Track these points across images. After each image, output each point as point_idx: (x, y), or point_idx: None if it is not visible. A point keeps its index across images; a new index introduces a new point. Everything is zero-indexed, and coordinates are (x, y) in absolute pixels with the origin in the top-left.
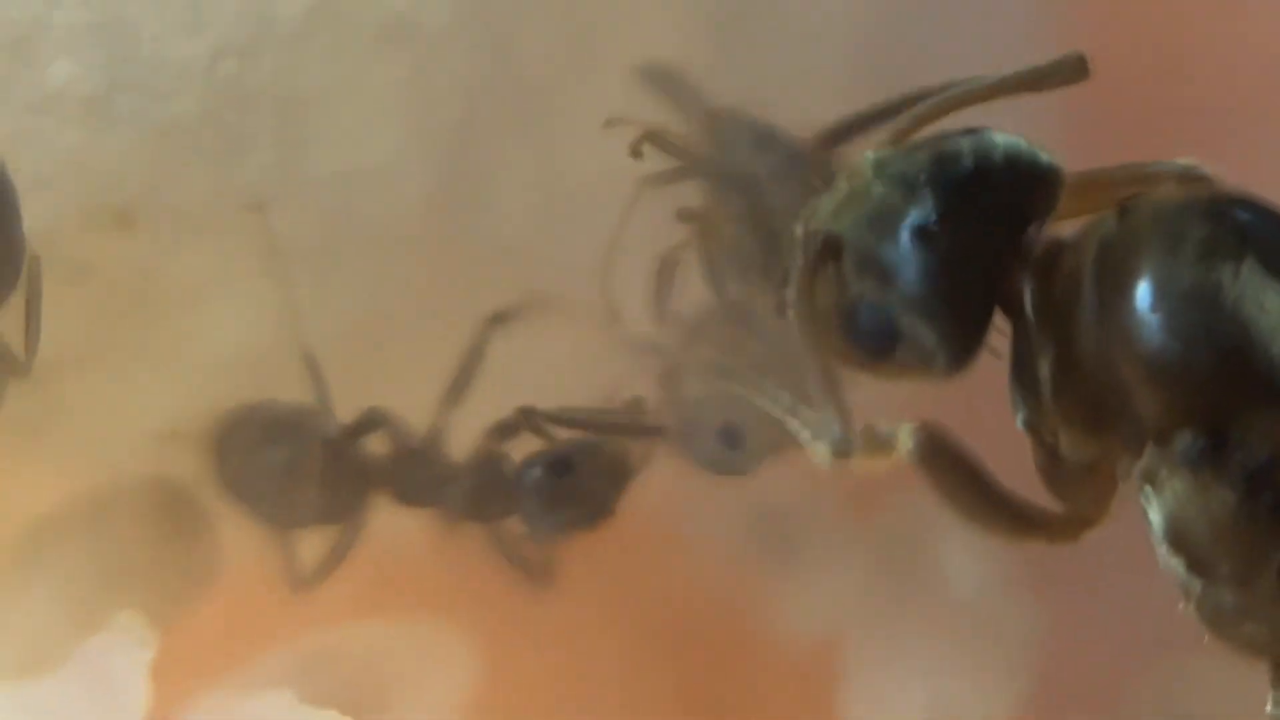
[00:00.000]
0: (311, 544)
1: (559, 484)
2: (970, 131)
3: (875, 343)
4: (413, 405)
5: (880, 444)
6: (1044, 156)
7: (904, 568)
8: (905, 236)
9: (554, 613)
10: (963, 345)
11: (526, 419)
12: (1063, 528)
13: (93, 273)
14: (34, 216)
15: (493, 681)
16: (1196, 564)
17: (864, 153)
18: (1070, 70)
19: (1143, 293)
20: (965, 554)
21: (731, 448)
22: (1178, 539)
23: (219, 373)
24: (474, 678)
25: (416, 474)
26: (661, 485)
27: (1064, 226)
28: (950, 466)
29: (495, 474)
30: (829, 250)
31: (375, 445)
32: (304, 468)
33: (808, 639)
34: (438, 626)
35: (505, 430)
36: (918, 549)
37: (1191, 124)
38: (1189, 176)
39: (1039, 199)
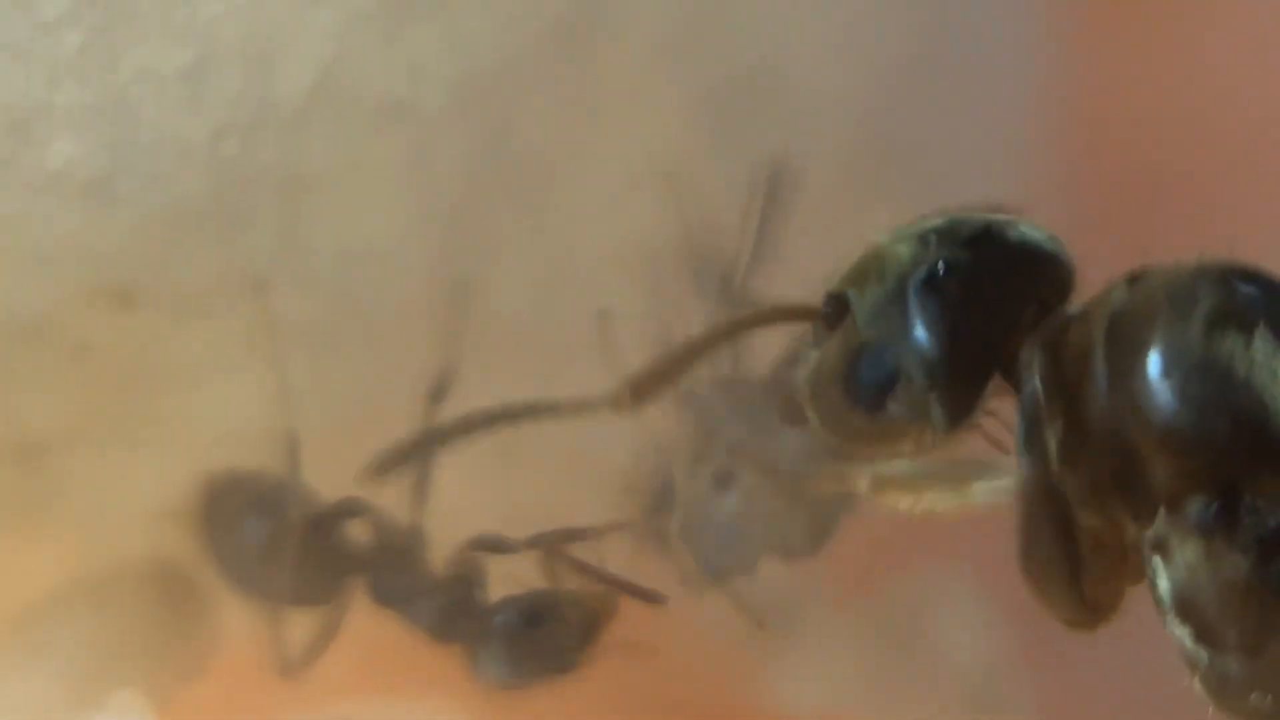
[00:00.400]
0: (302, 626)
1: (526, 634)
2: (990, 211)
3: (873, 392)
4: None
5: (990, 475)
6: (1059, 245)
7: (902, 645)
8: (914, 286)
9: (554, 690)
10: (960, 403)
11: (542, 542)
12: (1082, 615)
13: (93, 352)
14: (35, 296)
15: None
16: (1205, 633)
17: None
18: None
19: (1155, 362)
20: (963, 632)
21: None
22: (1186, 607)
23: (218, 453)
24: None
25: (391, 575)
26: (662, 560)
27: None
28: (1052, 518)
29: (466, 600)
30: (836, 310)
31: (361, 533)
32: (281, 545)
33: (807, 716)
34: (435, 705)
35: (483, 546)
36: (916, 627)
37: (1187, 187)
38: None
39: (1048, 281)
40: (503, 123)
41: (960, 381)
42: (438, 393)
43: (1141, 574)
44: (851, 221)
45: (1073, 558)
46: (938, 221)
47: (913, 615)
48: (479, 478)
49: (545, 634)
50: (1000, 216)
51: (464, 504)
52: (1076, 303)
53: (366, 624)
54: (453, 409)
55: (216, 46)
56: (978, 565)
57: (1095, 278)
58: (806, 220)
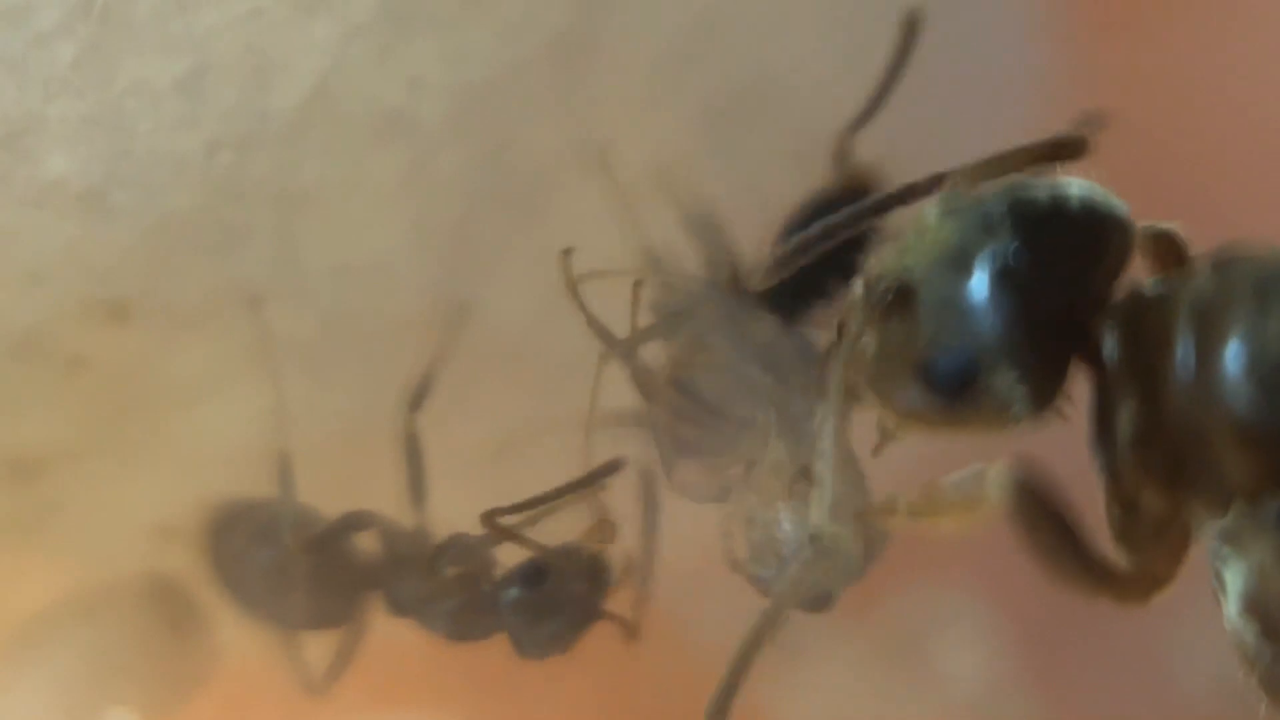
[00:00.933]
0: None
1: (538, 595)
2: (1044, 177)
3: (954, 387)
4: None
5: (968, 494)
6: (1118, 203)
7: (903, 664)
8: (984, 275)
9: (555, 706)
10: (1044, 388)
11: (489, 522)
12: (1134, 587)
13: (87, 367)
14: (29, 310)
15: None
16: (1272, 630)
17: (929, 203)
18: (1072, 147)
19: (1239, 354)
20: (964, 651)
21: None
22: (1256, 603)
23: (214, 468)
24: None
25: (405, 584)
26: (663, 579)
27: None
28: (1045, 512)
29: (474, 594)
30: (900, 299)
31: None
32: (292, 569)
33: None
34: (434, 717)
35: (481, 543)
36: (917, 646)
37: (1192, 184)
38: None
39: (1114, 247)
40: (502, 136)
41: (1043, 366)
42: (416, 400)
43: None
44: None
45: (1073, 541)
46: (995, 200)
47: (915, 632)
48: (473, 478)
49: (552, 592)
50: (1056, 183)
51: (460, 506)
52: (1155, 283)
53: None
54: (447, 424)
55: (212, 59)
56: (980, 582)
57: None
58: None
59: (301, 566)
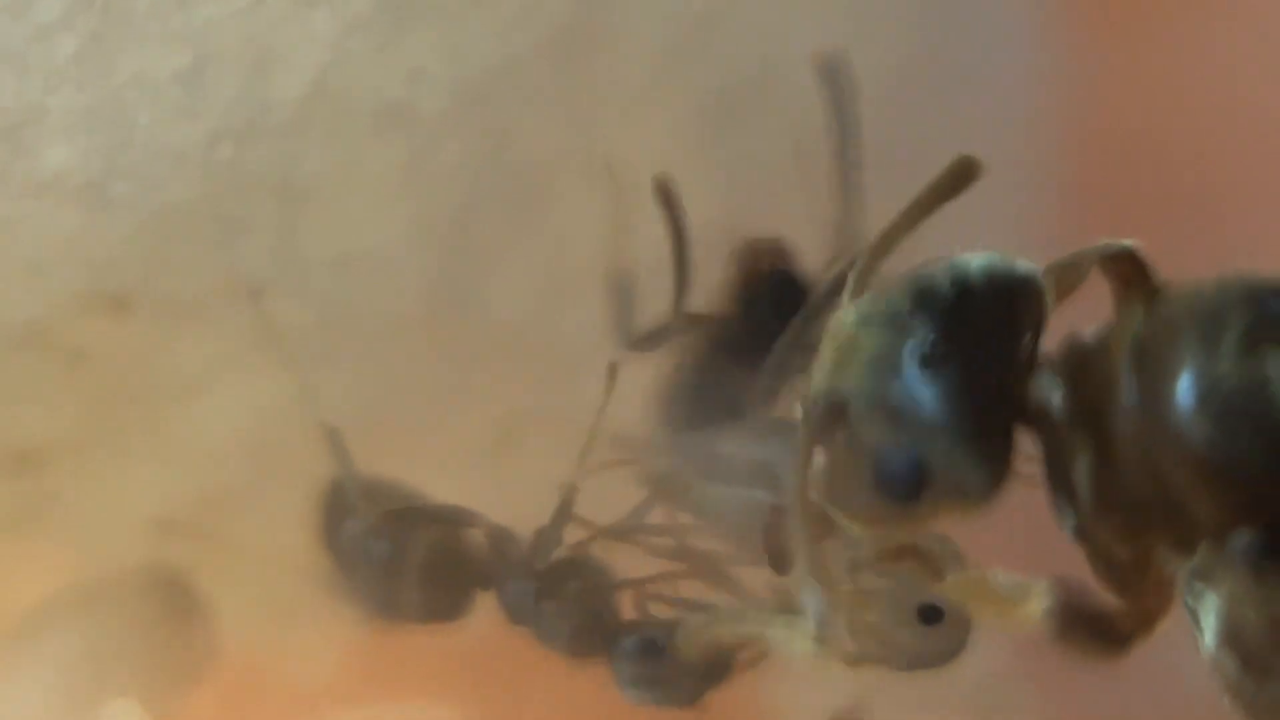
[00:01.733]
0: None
1: (647, 663)
2: (939, 259)
3: (906, 484)
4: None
5: (1011, 599)
6: (1020, 265)
7: None
8: (908, 369)
9: (556, 697)
10: (995, 463)
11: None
12: (1139, 628)
13: (88, 359)
14: (29, 302)
15: None
16: (1252, 662)
17: (838, 312)
18: (963, 173)
19: (1188, 390)
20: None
21: (930, 623)
22: (1233, 637)
23: (215, 461)
24: None
25: (519, 591)
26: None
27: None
28: (1084, 626)
29: (597, 621)
30: (834, 412)
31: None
32: (405, 559)
33: None
34: (436, 711)
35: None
36: None
37: (1195, 188)
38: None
39: (1028, 308)
40: (503, 128)
41: (986, 444)
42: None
43: (1171, 595)
44: None
45: (1115, 584)
46: (897, 298)
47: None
48: (472, 471)
49: (664, 666)
50: (953, 262)
51: (456, 499)
52: (1092, 331)
53: (364, 632)
54: (446, 417)
55: (212, 51)
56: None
57: (1099, 288)
58: (810, 229)
59: (414, 556)
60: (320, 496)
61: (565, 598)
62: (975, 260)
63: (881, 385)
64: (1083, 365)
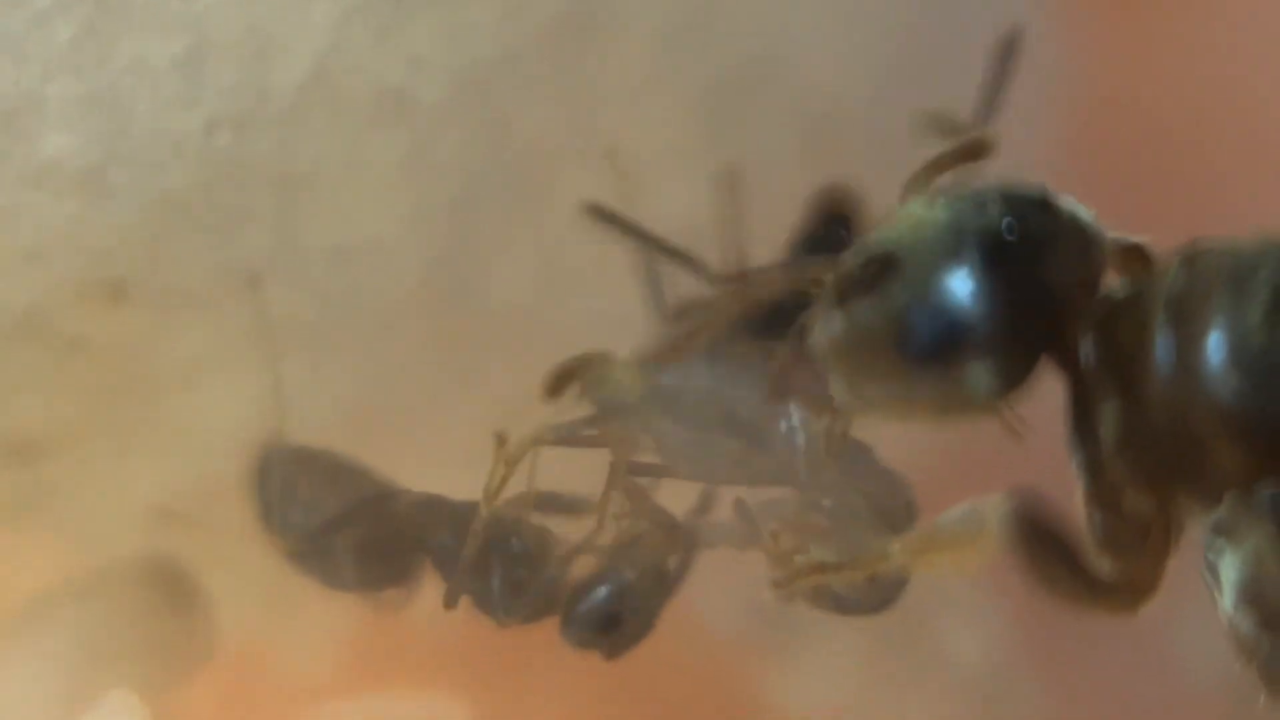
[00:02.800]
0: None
1: (604, 627)
2: (1034, 183)
3: (926, 355)
4: (408, 482)
5: (965, 530)
6: (1097, 221)
7: (907, 647)
8: (972, 250)
9: (555, 687)
10: (1012, 373)
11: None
12: (1121, 598)
13: (85, 348)
14: (26, 290)
15: None
16: (1269, 619)
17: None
18: (976, 148)
19: (1219, 345)
20: (968, 633)
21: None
22: (1253, 593)
23: (213, 449)
24: None
25: (452, 553)
26: None
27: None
28: (1047, 540)
29: (536, 583)
30: (882, 270)
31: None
32: (346, 528)
33: (813, 717)
34: (435, 701)
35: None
36: (920, 628)
37: (1197, 170)
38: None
39: (1093, 255)
40: (503, 115)
41: (1015, 349)
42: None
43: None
44: None
45: (1071, 562)
46: (989, 187)
47: (918, 616)
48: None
49: (621, 623)
50: (1049, 188)
51: (458, 487)
52: (1125, 284)
53: (361, 621)
54: (446, 406)
55: (210, 37)
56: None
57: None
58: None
59: (348, 530)
60: (253, 468)
61: (505, 558)
62: (1065, 196)
63: (942, 251)
64: (1117, 317)
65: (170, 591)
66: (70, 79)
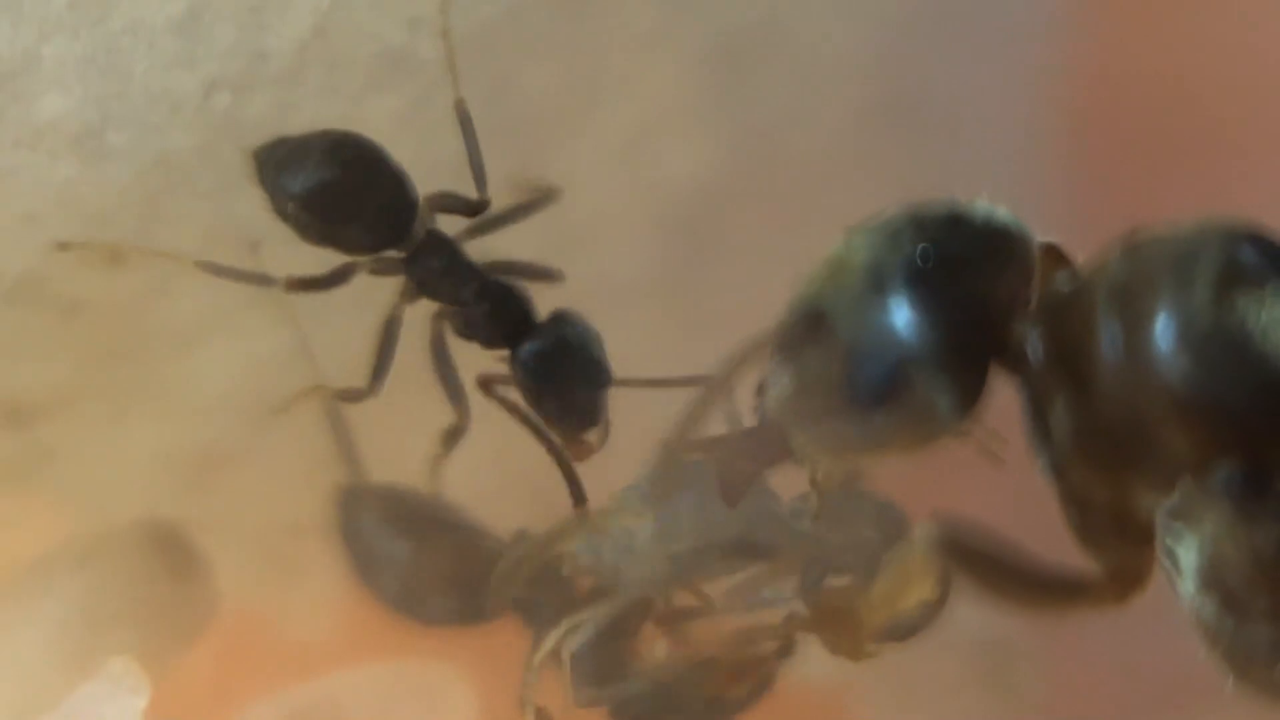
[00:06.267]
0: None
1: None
2: (943, 200)
3: (876, 397)
4: (409, 449)
5: (909, 567)
6: (1014, 218)
7: None
8: (895, 284)
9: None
10: (967, 389)
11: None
12: (1107, 591)
13: (83, 312)
14: (23, 254)
15: None
16: (1231, 602)
17: (836, 240)
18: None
19: (1165, 331)
20: (975, 603)
21: None
22: (1212, 576)
23: (213, 414)
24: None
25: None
26: None
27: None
28: (978, 557)
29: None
30: (814, 325)
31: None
32: (429, 567)
33: (816, 688)
34: (434, 669)
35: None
36: None
37: (1199, 141)
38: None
39: (1018, 253)
40: (504, 77)
41: (962, 366)
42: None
43: (1153, 557)
44: (861, 175)
45: (1019, 573)
46: (898, 217)
47: None
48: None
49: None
50: (959, 202)
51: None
52: (1066, 279)
53: (360, 591)
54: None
55: None
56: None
57: (1106, 233)
58: (815, 175)
59: (437, 562)
60: (335, 494)
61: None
62: (979, 204)
63: (865, 294)
64: (1060, 310)
65: (170, 557)
66: (67, 39)
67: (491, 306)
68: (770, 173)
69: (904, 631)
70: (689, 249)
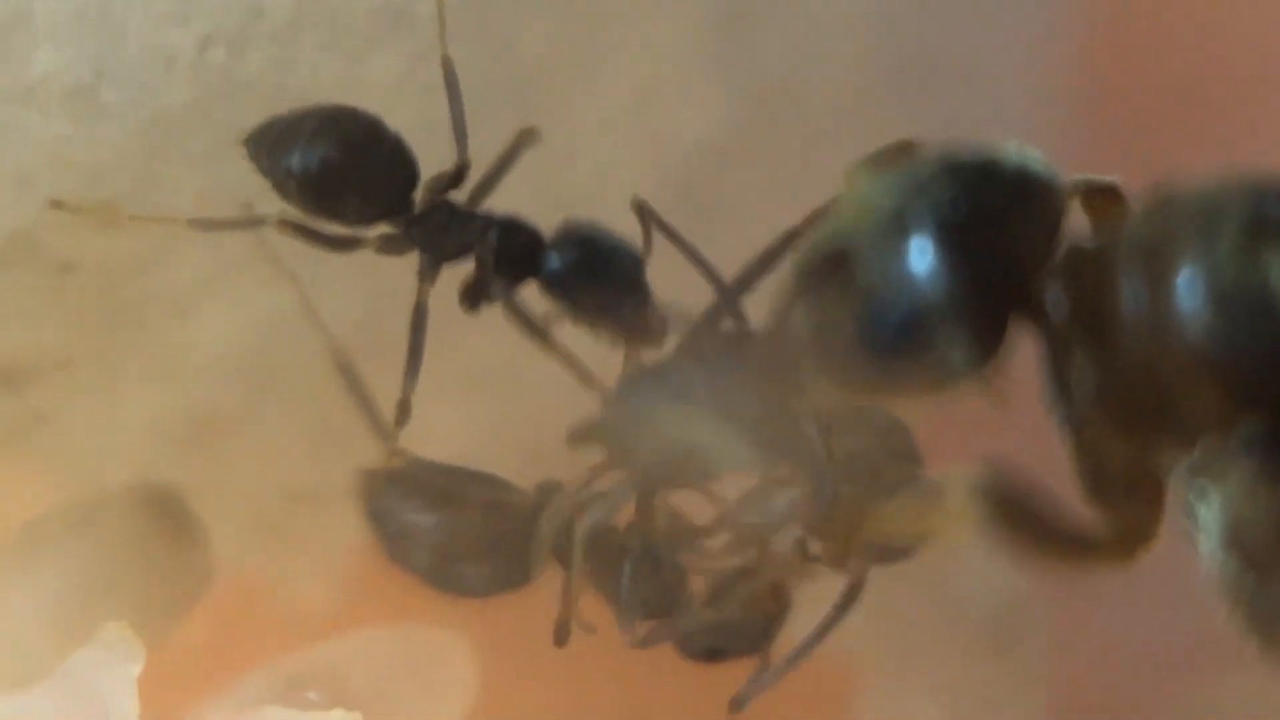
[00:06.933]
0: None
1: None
2: (976, 144)
3: (895, 344)
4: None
5: (930, 507)
6: (1049, 166)
7: (918, 583)
8: (921, 227)
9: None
10: (985, 341)
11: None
12: (1116, 549)
13: (76, 272)
14: (16, 214)
15: (490, 691)
16: (1254, 561)
17: (858, 169)
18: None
19: (1189, 286)
20: (981, 567)
21: None
22: (1235, 534)
23: (209, 378)
24: (471, 687)
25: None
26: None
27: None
28: (1015, 508)
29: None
30: (835, 266)
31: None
32: (462, 538)
33: (820, 654)
34: (433, 636)
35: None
36: (933, 563)
37: (1212, 98)
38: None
39: (1047, 203)
40: (505, 36)
41: (983, 319)
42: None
43: (1160, 514)
44: (866, 135)
45: (1101, 493)
46: (930, 160)
47: (929, 556)
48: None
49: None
50: (993, 147)
51: (461, 424)
52: (1090, 233)
53: (361, 554)
54: (452, 340)
55: None
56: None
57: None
58: (820, 135)
59: (468, 531)
60: (359, 475)
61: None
62: (1008, 146)
63: (889, 238)
64: (1083, 265)
65: (165, 522)
66: None
67: (500, 241)
68: (774, 133)
69: (895, 555)
70: (691, 209)
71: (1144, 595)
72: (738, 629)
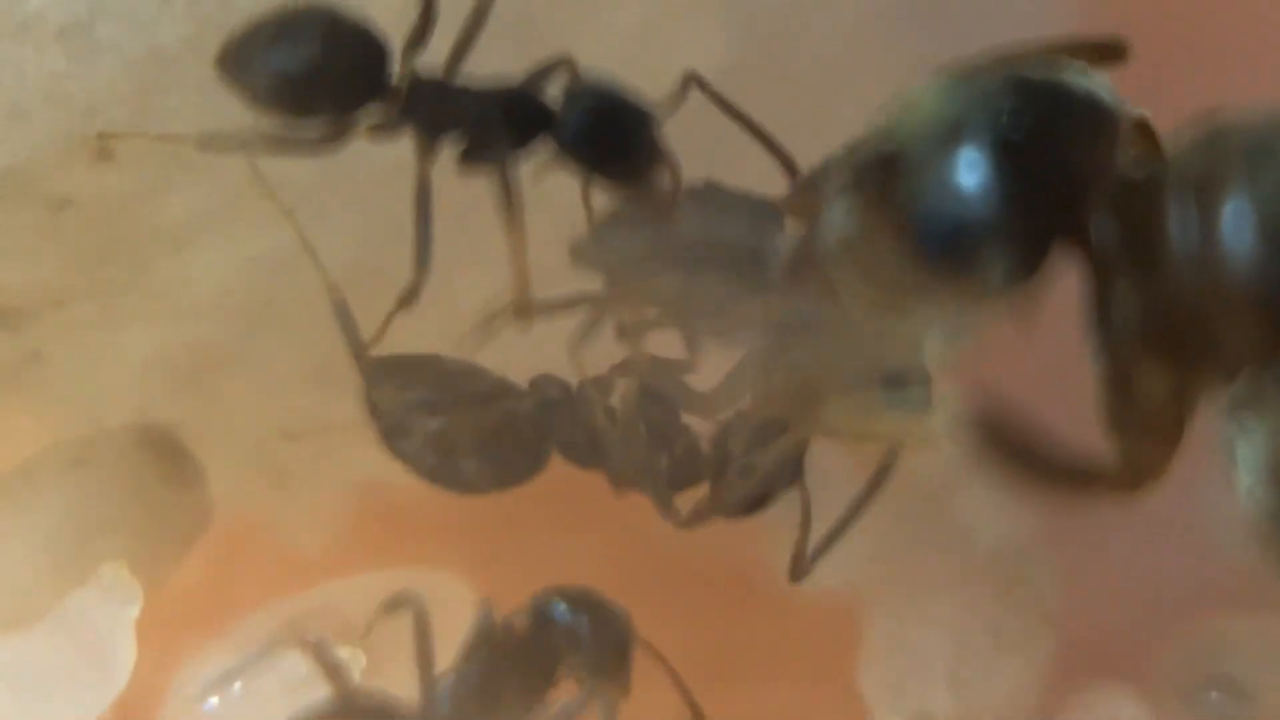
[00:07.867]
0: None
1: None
2: (1044, 61)
3: (939, 250)
4: (405, 342)
5: (909, 419)
6: (1113, 93)
7: (925, 523)
8: (977, 141)
9: (559, 563)
10: (1027, 259)
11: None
12: (1125, 479)
13: (72, 208)
14: (10, 150)
15: None
16: None
17: (925, 79)
18: (1110, 51)
19: (1239, 215)
20: (987, 509)
21: None
22: (1274, 468)
23: (206, 316)
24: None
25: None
26: None
27: None
28: (1007, 440)
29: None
30: (887, 166)
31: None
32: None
33: (827, 594)
34: (434, 577)
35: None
36: (939, 504)
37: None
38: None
39: (1105, 132)
40: None
41: (1028, 240)
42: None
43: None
44: (877, 66)
45: (1123, 423)
46: (995, 74)
47: (934, 493)
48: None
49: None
50: (1056, 65)
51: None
52: (1138, 162)
53: (359, 495)
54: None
55: None
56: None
57: None
58: (830, 65)
59: (469, 429)
60: (360, 371)
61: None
62: (1073, 68)
63: (946, 145)
64: (1132, 196)
65: (163, 463)
66: None
67: (504, 109)
68: (784, 64)
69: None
70: (702, 141)
71: (1153, 536)
72: (772, 472)
